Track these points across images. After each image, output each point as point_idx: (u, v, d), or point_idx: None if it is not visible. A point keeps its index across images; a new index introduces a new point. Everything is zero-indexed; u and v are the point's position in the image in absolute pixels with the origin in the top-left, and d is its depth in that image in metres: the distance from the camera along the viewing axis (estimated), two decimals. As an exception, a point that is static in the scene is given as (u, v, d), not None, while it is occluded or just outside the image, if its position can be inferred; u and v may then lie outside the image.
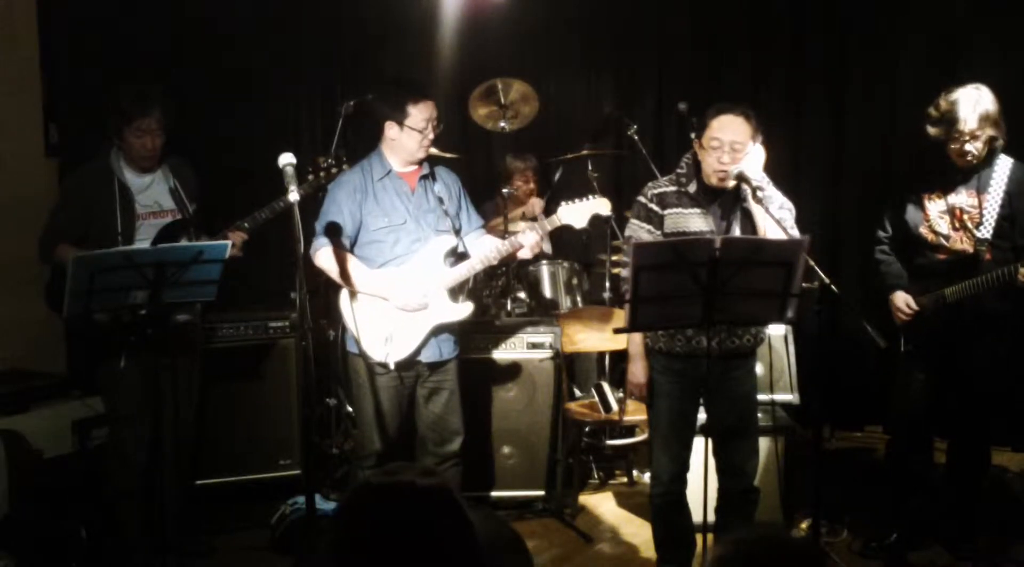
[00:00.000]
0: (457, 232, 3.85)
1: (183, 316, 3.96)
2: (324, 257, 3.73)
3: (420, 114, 3.70)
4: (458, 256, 3.84)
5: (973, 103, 3.66)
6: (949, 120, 3.68)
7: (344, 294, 3.75)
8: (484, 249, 3.79)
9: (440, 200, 3.82)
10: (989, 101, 3.68)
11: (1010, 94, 5.17)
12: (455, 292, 3.85)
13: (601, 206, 3.79)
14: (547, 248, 5.58)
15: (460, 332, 3.95)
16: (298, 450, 4.68)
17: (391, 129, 3.73)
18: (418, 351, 3.75)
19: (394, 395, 3.78)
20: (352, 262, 3.72)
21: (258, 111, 5.68)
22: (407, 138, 3.72)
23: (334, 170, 4.22)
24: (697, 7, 5.97)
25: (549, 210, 3.94)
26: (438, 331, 3.78)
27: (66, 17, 5.06)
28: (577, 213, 3.76)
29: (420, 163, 3.83)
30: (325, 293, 3.86)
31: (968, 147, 3.69)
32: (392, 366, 3.71)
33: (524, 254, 3.80)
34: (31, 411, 4.26)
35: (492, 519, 1.69)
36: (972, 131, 3.65)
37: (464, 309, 3.81)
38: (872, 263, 4.11)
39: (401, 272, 3.73)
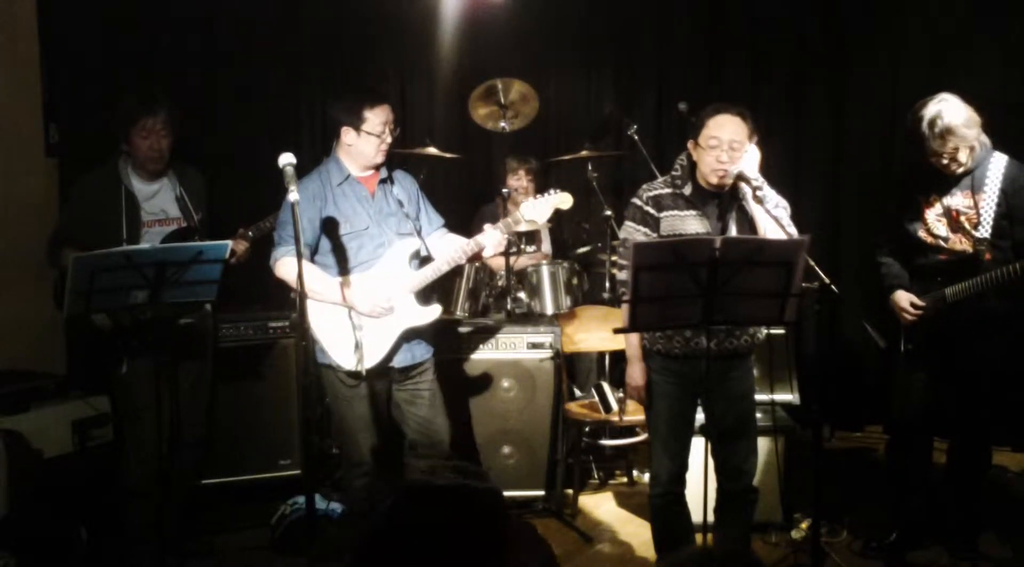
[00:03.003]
0: (419, 233, 3.81)
1: (189, 318, 3.96)
2: (283, 267, 3.65)
3: (376, 118, 3.65)
4: (422, 259, 3.80)
5: (933, 120, 3.62)
6: (919, 139, 3.68)
7: (310, 304, 3.62)
8: (449, 250, 3.75)
9: (400, 203, 3.78)
10: (952, 113, 3.62)
11: (1010, 94, 5.19)
12: (423, 295, 3.79)
13: (562, 201, 3.84)
14: (547, 248, 5.58)
15: (435, 333, 3.88)
16: (298, 450, 4.69)
17: (347, 134, 3.68)
18: (389, 357, 3.69)
19: (372, 403, 3.72)
20: (313, 271, 3.61)
21: (258, 111, 5.69)
22: (364, 143, 3.67)
23: None
24: (697, 7, 5.98)
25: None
26: (409, 336, 3.73)
27: (66, 17, 5.06)
28: (538, 209, 3.79)
29: (378, 167, 3.78)
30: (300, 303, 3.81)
31: (946, 161, 3.69)
32: (364, 374, 3.65)
33: (487, 253, 3.78)
34: (31, 411, 4.26)
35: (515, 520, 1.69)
36: (942, 148, 3.65)
37: (432, 312, 3.75)
38: (872, 265, 4.10)
39: (365, 278, 3.67)
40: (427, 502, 1.52)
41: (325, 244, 3.69)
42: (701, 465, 3.45)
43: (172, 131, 3.88)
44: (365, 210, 3.72)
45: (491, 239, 3.73)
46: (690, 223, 3.43)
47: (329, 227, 3.67)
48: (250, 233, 4.14)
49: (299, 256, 3.18)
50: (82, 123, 5.01)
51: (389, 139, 3.71)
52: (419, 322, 3.73)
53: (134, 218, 3.86)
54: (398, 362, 3.73)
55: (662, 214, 3.47)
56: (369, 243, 3.70)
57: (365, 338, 3.65)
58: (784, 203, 3.43)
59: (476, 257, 3.83)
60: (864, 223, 5.47)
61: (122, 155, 3.92)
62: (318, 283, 3.60)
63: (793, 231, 3.29)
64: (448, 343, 4.46)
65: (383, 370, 3.71)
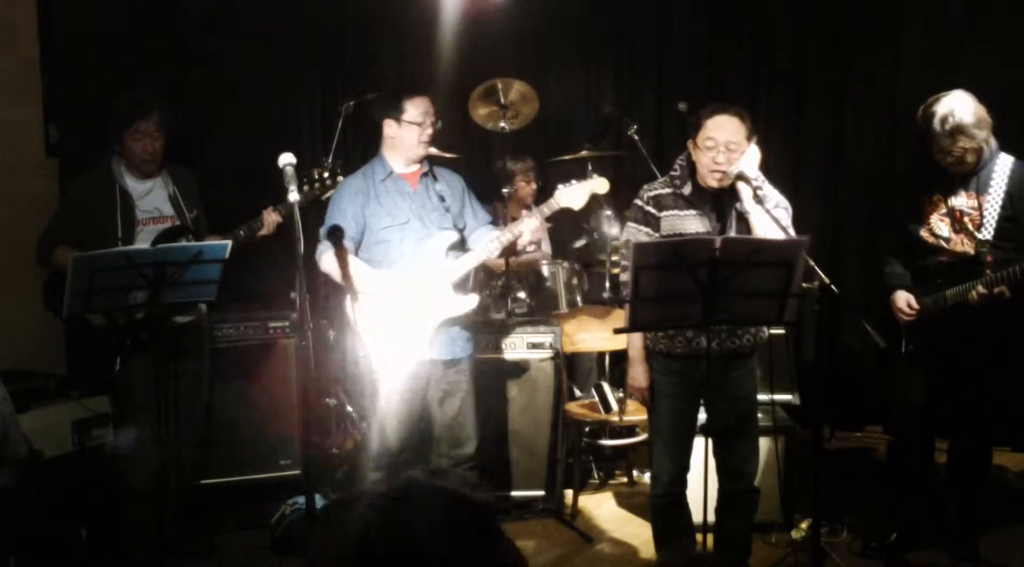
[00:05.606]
0: (461, 229, 3.88)
1: (184, 318, 3.96)
2: (327, 261, 3.77)
3: (416, 109, 3.74)
4: (462, 251, 3.88)
5: (945, 117, 3.60)
6: (928, 135, 3.67)
7: (350, 297, 3.77)
8: (484, 241, 3.83)
9: (442, 198, 3.86)
10: (965, 111, 3.60)
11: (1010, 93, 5.18)
12: (460, 286, 3.87)
13: (599, 185, 3.86)
14: (547, 248, 5.58)
15: (476, 330, 3.98)
16: (298, 450, 4.68)
17: (389, 127, 3.78)
18: (428, 349, 3.77)
19: (407, 396, 3.79)
20: (355, 264, 3.76)
21: (258, 111, 5.68)
22: (406, 133, 3.76)
23: (328, 182, 4.29)
24: (697, 7, 5.97)
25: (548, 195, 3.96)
26: (448, 325, 3.80)
27: (66, 17, 5.06)
28: (574, 194, 3.80)
29: (421, 162, 3.86)
30: (327, 295, 3.88)
31: (952, 159, 3.68)
32: (402, 365, 3.72)
33: (524, 239, 3.82)
34: (31, 411, 4.26)
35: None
36: (951, 146, 3.63)
37: (469, 301, 3.84)
38: (873, 265, 4.10)
39: (405, 270, 3.76)
40: (414, 500, 1.49)
41: (368, 237, 3.81)
42: (702, 465, 3.45)
43: (165, 132, 3.90)
44: (407, 204, 3.81)
45: (528, 226, 3.76)
46: (690, 223, 3.43)
47: (372, 221, 3.79)
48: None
49: (298, 256, 3.19)
50: (82, 123, 5.01)
51: (430, 130, 3.79)
52: (457, 311, 3.81)
53: (129, 217, 3.88)
54: (438, 354, 3.80)
55: (662, 214, 3.47)
56: (410, 236, 3.79)
57: (404, 329, 3.73)
58: (785, 203, 3.43)
59: (514, 246, 3.87)
60: (864, 223, 5.46)
61: (115, 155, 3.93)
62: (358, 275, 3.73)
63: (792, 232, 3.29)
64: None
65: (422, 361, 3.78)
